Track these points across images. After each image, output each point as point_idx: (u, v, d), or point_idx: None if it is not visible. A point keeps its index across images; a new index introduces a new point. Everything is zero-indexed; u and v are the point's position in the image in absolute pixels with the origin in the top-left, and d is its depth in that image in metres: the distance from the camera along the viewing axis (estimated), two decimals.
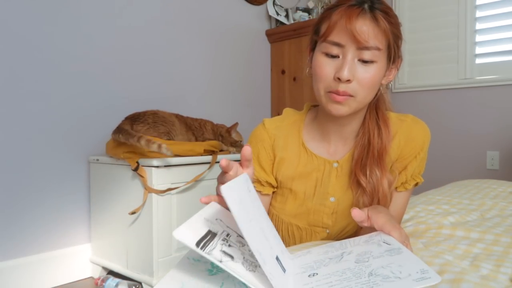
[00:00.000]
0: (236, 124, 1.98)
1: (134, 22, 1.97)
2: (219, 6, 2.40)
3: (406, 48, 3.07)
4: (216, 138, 1.89)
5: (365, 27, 0.71)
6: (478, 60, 2.76)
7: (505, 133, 2.67)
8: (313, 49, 0.81)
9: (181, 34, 2.20)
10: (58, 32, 1.69)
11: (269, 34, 2.70)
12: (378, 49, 0.73)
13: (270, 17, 2.73)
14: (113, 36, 1.88)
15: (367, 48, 0.72)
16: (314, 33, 0.81)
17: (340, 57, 0.74)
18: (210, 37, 2.35)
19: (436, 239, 0.87)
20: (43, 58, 1.64)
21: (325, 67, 0.75)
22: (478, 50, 2.76)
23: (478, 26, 2.75)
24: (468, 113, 2.81)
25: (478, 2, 2.74)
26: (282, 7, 2.75)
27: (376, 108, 0.86)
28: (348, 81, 0.73)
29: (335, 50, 0.74)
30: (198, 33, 2.28)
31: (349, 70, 0.72)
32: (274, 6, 2.69)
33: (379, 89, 0.82)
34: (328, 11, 0.77)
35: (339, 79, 0.73)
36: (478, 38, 2.76)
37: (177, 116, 1.81)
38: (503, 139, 2.68)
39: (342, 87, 0.73)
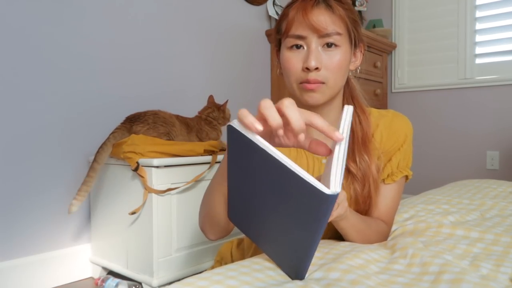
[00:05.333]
0: (227, 101, 2.00)
1: (134, 22, 1.97)
2: (219, 6, 2.40)
3: (406, 48, 3.08)
4: (212, 128, 1.90)
5: (321, 16, 0.75)
6: (478, 60, 2.77)
7: (505, 133, 2.67)
8: (279, 49, 0.84)
9: (181, 34, 2.20)
10: (58, 31, 1.69)
11: (269, 34, 2.70)
12: (338, 34, 0.76)
13: (270, 17, 2.73)
14: (112, 35, 1.88)
15: (328, 35, 0.75)
16: (277, 33, 0.84)
17: (305, 48, 0.77)
18: (210, 37, 2.35)
19: (436, 239, 0.87)
20: (41, 57, 1.64)
21: (292, 60, 0.78)
22: (478, 50, 2.76)
23: (478, 26, 2.75)
24: (468, 113, 2.82)
25: (478, 2, 2.75)
26: (282, 7, 2.75)
27: (352, 97, 0.89)
28: (317, 69, 0.75)
29: (298, 42, 0.77)
30: (198, 33, 2.28)
31: (315, 59, 0.75)
32: (274, 6, 2.69)
33: (348, 76, 0.86)
34: (285, 9, 0.81)
35: (307, 69, 0.76)
36: (478, 38, 2.76)
37: (178, 117, 1.81)
38: (503, 139, 2.68)
39: (312, 76, 0.76)
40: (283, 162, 0.48)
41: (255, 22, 2.65)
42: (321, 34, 0.75)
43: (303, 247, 0.55)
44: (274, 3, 2.70)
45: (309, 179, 0.48)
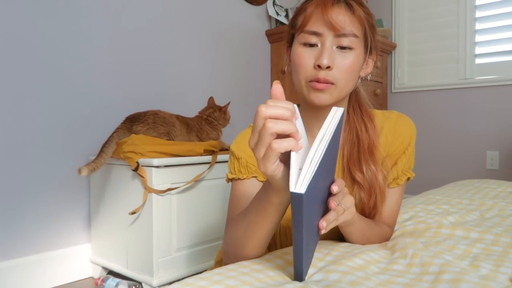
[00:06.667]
0: (229, 103, 2.01)
1: (134, 22, 1.97)
2: (219, 6, 2.40)
3: (406, 48, 3.08)
4: (213, 128, 1.90)
5: (340, 15, 0.73)
6: (478, 60, 2.76)
7: (505, 133, 2.67)
8: (290, 45, 0.81)
9: (181, 34, 2.20)
10: (58, 32, 1.69)
11: (269, 34, 2.70)
12: (355, 36, 0.74)
13: (270, 17, 2.73)
14: (112, 36, 1.88)
15: (344, 35, 0.73)
16: (291, 28, 0.81)
17: (319, 45, 0.74)
18: (210, 37, 2.35)
19: (436, 239, 0.87)
20: (42, 58, 1.64)
21: (304, 57, 0.75)
22: (478, 50, 2.76)
23: (478, 26, 2.75)
24: (468, 113, 2.82)
25: (478, 2, 2.75)
26: (282, 7, 2.75)
27: (359, 105, 0.86)
28: (328, 68, 0.73)
29: (313, 39, 0.75)
30: (198, 33, 2.28)
31: (329, 57, 0.72)
32: (274, 6, 2.69)
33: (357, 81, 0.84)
34: (303, 4, 0.78)
35: (319, 66, 0.73)
36: (478, 38, 2.76)
37: (178, 117, 1.81)
38: (503, 139, 2.68)
39: (322, 74, 0.73)
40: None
41: (255, 22, 2.65)
42: (337, 33, 0.73)
43: (295, 247, 0.56)
44: (274, 3, 2.70)
45: (292, 173, 0.48)
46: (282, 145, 0.49)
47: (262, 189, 0.64)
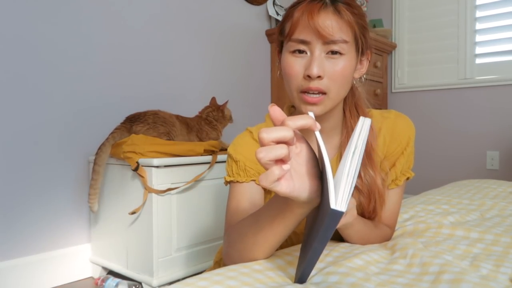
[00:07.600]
0: (227, 102, 2.00)
1: (134, 22, 1.97)
2: (219, 6, 2.40)
3: (406, 48, 3.08)
4: (212, 127, 1.90)
5: (328, 21, 0.70)
6: (478, 60, 2.77)
7: (505, 133, 2.67)
8: (281, 50, 0.79)
9: (181, 34, 2.20)
10: (58, 31, 1.69)
11: (269, 34, 2.70)
12: (345, 41, 0.71)
13: (270, 17, 2.73)
14: (112, 35, 1.88)
15: (333, 42, 0.70)
16: (279, 34, 0.78)
17: (308, 53, 0.72)
18: (210, 37, 2.35)
19: (436, 239, 0.87)
20: (42, 58, 1.64)
21: (294, 66, 0.73)
22: (478, 50, 2.76)
23: (478, 26, 2.75)
24: (468, 113, 2.82)
25: (478, 2, 2.75)
26: (282, 7, 2.75)
27: (356, 106, 0.84)
28: (319, 77, 0.71)
29: (301, 47, 0.72)
30: (198, 33, 2.28)
31: (318, 66, 0.70)
32: (274, 6, 2.69)
33: (352, 84, 0.81)
34: (290, 9, 0.75)
35: (309, 76, 0.71)
36: (478, 38, 2.76)
37: (178, 117, 1.81)
38: (503, 139, 2.68)
39: (313, 84, 0.71)
40: (324, 159, 0.48)
41: (255, 22, 2.65)
42: (326, 41, 0.70)
43: (312, 255, 0.55)
44: (274, 3, 2.70)
45: (331, 188, 0.46)
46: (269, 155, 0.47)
47: (279, 197, 0.60)
